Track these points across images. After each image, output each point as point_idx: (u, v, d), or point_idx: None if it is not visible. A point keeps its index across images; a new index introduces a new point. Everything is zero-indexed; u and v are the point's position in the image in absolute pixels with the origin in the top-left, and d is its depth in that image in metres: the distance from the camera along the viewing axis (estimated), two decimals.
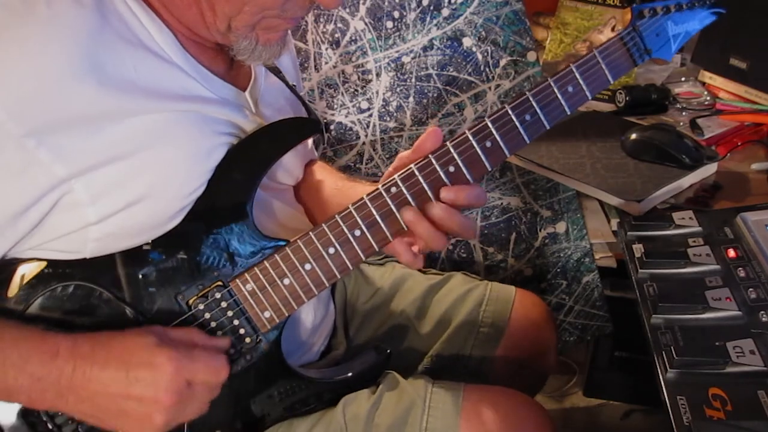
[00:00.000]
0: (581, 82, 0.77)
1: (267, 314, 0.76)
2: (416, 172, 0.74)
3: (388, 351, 0.90)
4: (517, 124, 0.75)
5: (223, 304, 0.75)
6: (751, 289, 0.80)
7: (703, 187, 1.09)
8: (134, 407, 0.67)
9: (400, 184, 0.74)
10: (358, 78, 1.31)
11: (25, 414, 0.72)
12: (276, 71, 0.90)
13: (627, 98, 1.39)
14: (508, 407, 0.81)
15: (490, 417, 0.79)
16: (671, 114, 1.38)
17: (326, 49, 1.29)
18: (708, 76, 1.44)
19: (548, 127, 0.77)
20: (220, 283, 0.75)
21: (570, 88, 0.77)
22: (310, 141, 1.01)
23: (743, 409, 0.66)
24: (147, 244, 0.73)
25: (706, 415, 0.66)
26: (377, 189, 0.75)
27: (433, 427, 0.78)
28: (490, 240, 1.42)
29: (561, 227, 1.40)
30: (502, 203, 1.39)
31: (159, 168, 0.70)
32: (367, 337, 1.05)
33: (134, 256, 0.72)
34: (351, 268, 0.76)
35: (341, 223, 0.75)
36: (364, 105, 1.33)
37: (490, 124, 0.75)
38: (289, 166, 0.90)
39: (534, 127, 0.76)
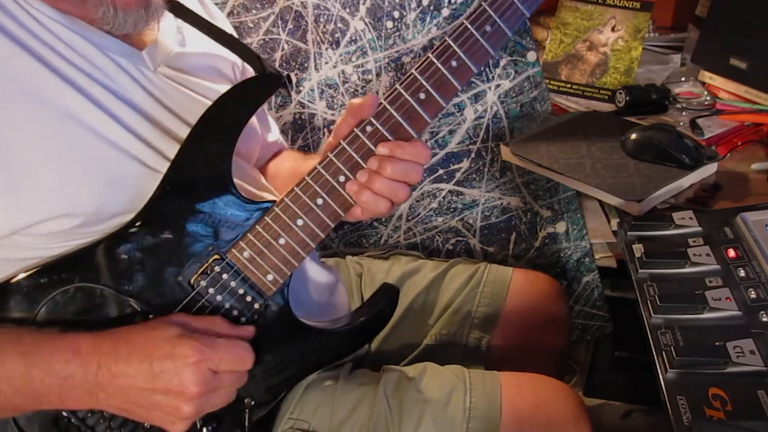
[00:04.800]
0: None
1: (270, 277, 0.77)
2: (388, 106, 0.75)
3: (397, 289, 0.90)
4: (478, 36, 0.76)
5: (225, 276, 0.75)
6: (751, 289, 0.80)
7: (703, 187, 1.08)
8: (161, 399, 0.67)
9: (374, 121, 0.75)
10: (358, 78, 1.31)
11: (55, 421, 0.72)
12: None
13: (627, 98, 1.39)
14: (545, 392, 0.85)
15: (530, 400, 0.83)
16: (671, 114, 1.37)
17: (326, 49, 1.29)
18: (708, 76, 1.43)
19: (510, 35, 0.78)
20: (217, 256, 0.75)
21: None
22: (270, 136, 1.02)
23: (743, 409, 0.66)
24: (133, 227, 0.72)
25: (706, 415, 0.66)
26: (353, 131, 0.76)
27: (476, 406, 0.81)
28: (490, 240, 1.42)
29: (561, 227, 1.40)
30: (502, 203, 1.39)
31: (50, 190, 0.69)
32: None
33: (122, 242, 0.72)
34: (343, 214, 0.77)
35: (324, 173, 0.76)
36: None
37: (451, 43, 0.76)
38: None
39: (495, 38, 0.77)
